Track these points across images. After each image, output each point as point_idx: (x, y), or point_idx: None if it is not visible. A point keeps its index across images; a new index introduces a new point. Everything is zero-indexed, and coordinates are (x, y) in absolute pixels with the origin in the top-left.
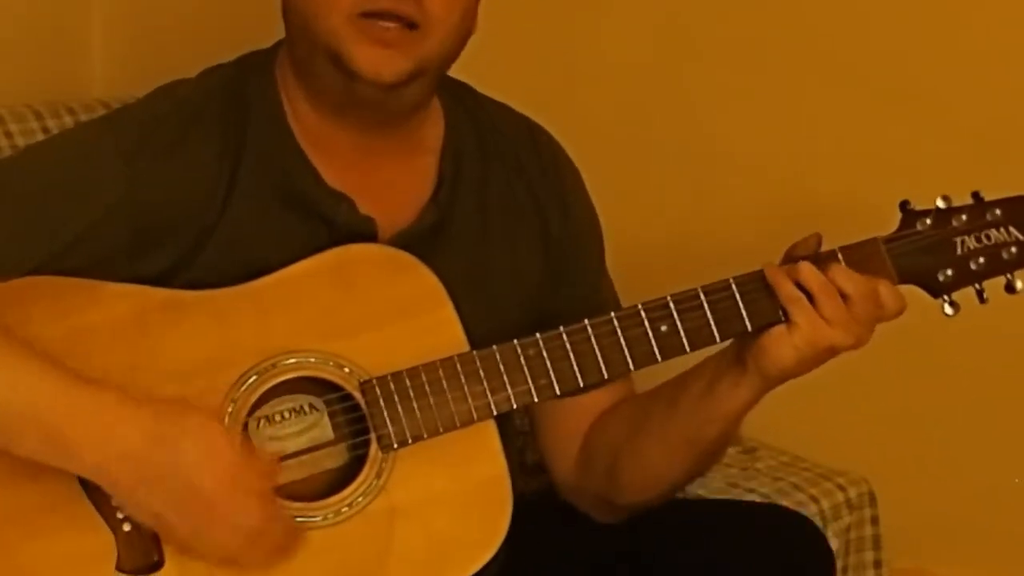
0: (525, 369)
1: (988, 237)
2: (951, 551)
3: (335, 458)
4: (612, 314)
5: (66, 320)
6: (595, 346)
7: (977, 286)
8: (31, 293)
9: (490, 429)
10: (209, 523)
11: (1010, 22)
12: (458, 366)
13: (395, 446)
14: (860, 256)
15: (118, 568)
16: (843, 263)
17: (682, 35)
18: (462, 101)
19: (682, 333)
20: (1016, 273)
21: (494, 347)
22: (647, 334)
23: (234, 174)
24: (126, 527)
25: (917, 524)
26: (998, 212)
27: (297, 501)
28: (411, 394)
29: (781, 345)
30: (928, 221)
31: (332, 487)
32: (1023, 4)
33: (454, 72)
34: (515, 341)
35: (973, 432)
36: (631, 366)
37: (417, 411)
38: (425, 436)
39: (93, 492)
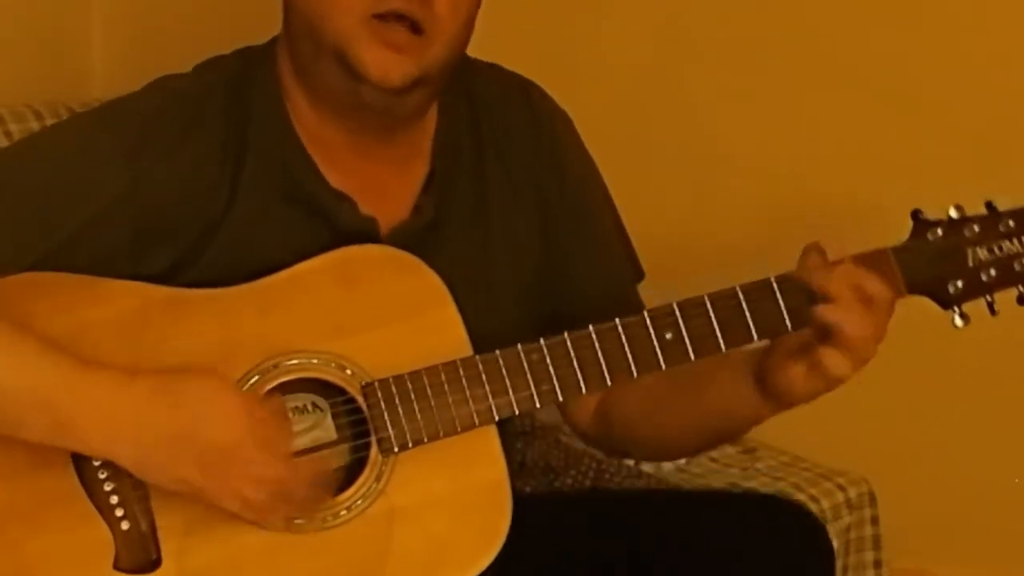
0: (528, 374)
1: (1000, 248)
2: (951, 551)
3: (337, 459)
4: (616, 320)
5: (69, 315)
6: (599, 352)
7: (988, 298)
8: (34, 288)
9: (491, 433)
10: (233, 477)
11: (1019, 25)
12: (460, 370)
13: (395, 449)
14: (870, 265)
15: (116, 566)
16: None
17: (683, 36)
18: (460, 75)
19: (687, 341)
20: None
21: (497, 351)
22: (652, 342)
23: (237, 173)
24: (124, 525)
25: (917, 524)
26: (1011, 223)
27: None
28: (412, 397)
29: (833, 362)
30: (939, 231)
31: (333, 489)
32: None
33: None
34: (518, 346)
35: (973, 432)
36: (635, 373)
37: (418, 414)
38: (425, 440)
39: (92, 490)
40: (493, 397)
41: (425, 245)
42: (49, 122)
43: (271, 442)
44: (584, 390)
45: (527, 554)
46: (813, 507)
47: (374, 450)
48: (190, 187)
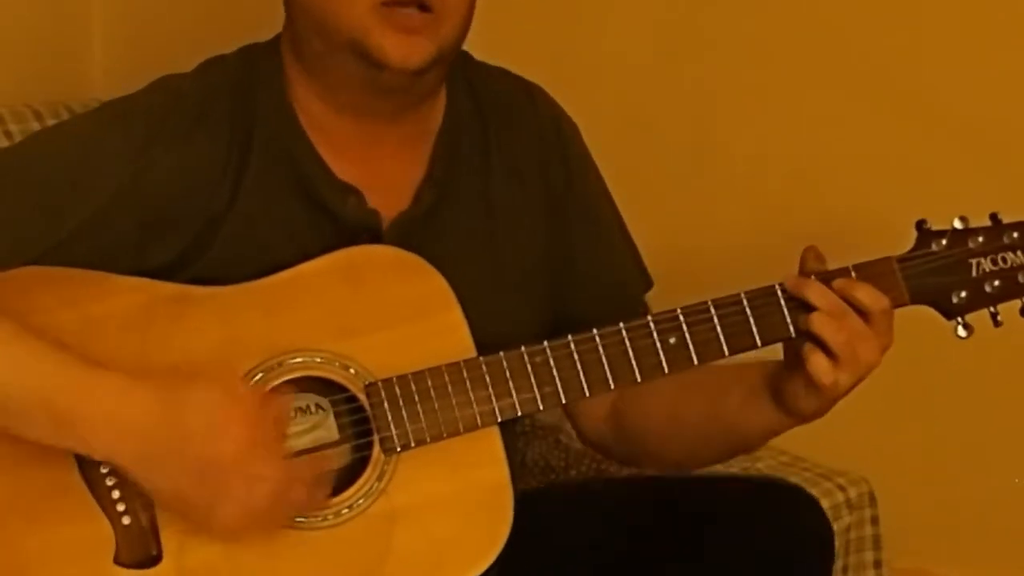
0: (531, 376)
1: (1004, 260)
2: (951, 551)
3: (339, 458)
4: (621, 324)
5: (74, 310)
6: (602, 356)
7: (991, 309)
8: (39, 282)
9: (493, 434)
10: (232, 487)
11: None
12: (464, 371)
13: (398, 449)
14: (873, 274)
15: (116, 561)
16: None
17: (687, 38)
18: (461, 69)
19: (691, 346)
20: None
21: (501, 353)
22: (655, 346)
23: (242, 167)
24: (125, 520)
25: (917, 524)
26: (1015, 235)
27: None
28: (416, 398)
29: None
30: (944, 241)
31: (334, 488)
32: None
33: None
34: (522, 348)
35: (973, 432)
36: (638, 378)
37: (421, 415)
38: (428, 440)
39: (94, 484)
40: (496, 399)
41: (426, 234)
42: (49, 122)
43: (270, 447)
44: (587, 393)
45: (529, 552)
46: None
47: (376, 449)
48: (194, 181)
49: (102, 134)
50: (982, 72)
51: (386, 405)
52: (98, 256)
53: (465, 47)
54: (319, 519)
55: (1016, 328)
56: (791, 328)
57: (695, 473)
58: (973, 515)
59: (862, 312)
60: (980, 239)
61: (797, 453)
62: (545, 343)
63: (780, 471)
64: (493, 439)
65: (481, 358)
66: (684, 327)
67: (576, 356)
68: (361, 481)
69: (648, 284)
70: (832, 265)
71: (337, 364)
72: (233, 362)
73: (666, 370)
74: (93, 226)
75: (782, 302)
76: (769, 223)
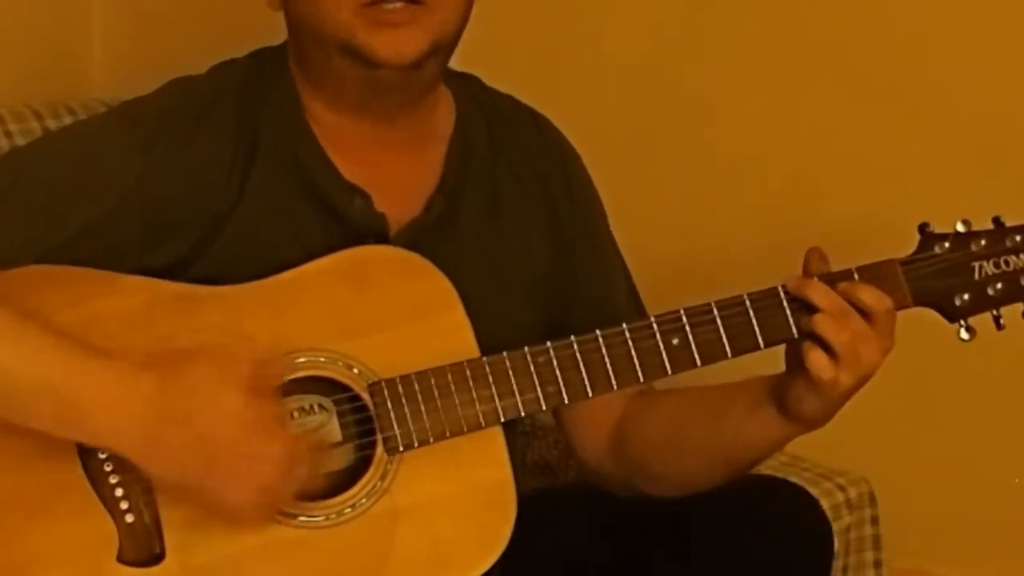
0: (534, 376)
1: (1007, 263)
2: (951, 551)
3: (341, 458)
4: (624, 325)
5: (79, 308)
6: (605, 356)
7: (994, 312)
8: (44, 281)
9: (496, 434)
10: (238, 467)
11: None
12: (467, 371)
13: (401, 449)
14: (876, 276)
15: (119, 559)
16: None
17: (687, 39)
18: (470, 88)
19: (693, 347)
20: None
21: (504, 353)
22: (658, 346)
23: (248, 167)
24: (129, 518)
25: (917, 524)
26: (1018, 238)
27: (300, 500)
28: (419, 397)
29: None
30: (946, 244)
31: (337, 487)
32: None
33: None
34: (525, 348)
35: (973, 432)
36: (641, 378)
37: (424, 414)
38: (431, 440)
39: (97, 481)
40: (499, 399)
41: (435, 242)
42: (49, 122)
43: (273, 424)
44: (590, 393)
45: (530, 552)
46: None
47: (379, 449)
48: (200, 181)
49: (109, 136)
50: (984, 74)
51: (389, 404)
52: (103, 256)
53: (463, 44)
54: (322, 518)
55: (1018, 330)
56: (793, 329)
57: None
58: (973, 515)
59: (865, 313)
60: (983, 242)
61: (797, 453)
62: (548, 343)
63: (780, 471)
64: (496, 439)
65: (484, 358)
66: (687, 328)
67: (579, 356)
68: (364, 480)
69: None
70: (835, 267)
71: (340, 364)
72: None
73: (669, 371)
74: (99, 227)
75: (784, 303)
76: (771, 225)
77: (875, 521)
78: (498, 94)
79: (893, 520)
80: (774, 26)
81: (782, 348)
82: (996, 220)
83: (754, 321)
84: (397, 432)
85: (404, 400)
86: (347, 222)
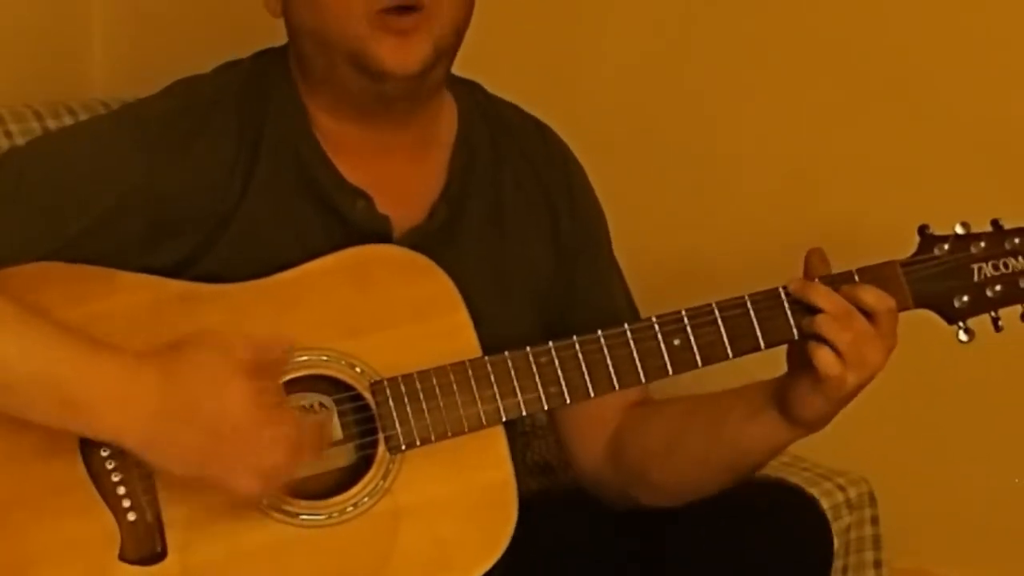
0: (536, 376)
1: (1006, 265)
2: (951, 551)
3: (343, 457)
4: (626, 326)
5: (82, 306)
6: (607, 357)
7: (993, 314)
8: (48, 279)
9: (498, 434)
10: (248, 449)
11: None
12: (469, 370)
13: (403, 448)
14: (876, 277)
15: (121, 557)
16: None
17: (687, 39)
18: (472, 95)
19: (695, 348)
20: None
21: (506, 353)
22: (660, 347)
23: (251, 167)
24: (131, 516)
25: (917, 524)
26: (1016, 241)
27: (302, 499)
28: (421, 396)
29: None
30: (946, 246)
31: (338, 486)
32: None
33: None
34: (527, 348)
35: (973, 432)
36: (643, 379)
37: (426, 413)
38: (433, 439)
39: (99, 479)
40: (501, 398)
41: (438, 248)
42: (49, 122)
43: (277, 406)
44: (592, 393)
45: (531, 552)
46: None
47: (381, 448)
48: (202, 180)
49: (113, 136)
50: (984, 74)
51: (391, 404)
52: (106, 255)
53: (464, 46)
54: (323, 517)
55: (1017, 332)
56: (794, 330)
57: None
58: (973, 515)
59: (867, 314)
60: (982, 244)
61: (797, 453)
62: (550, 344)
63: (780, 471)
64: (498, 440)
65: (486, 358)
66: (688, 329)
67: (581, 357)
68: (365, 480)
69: None
70: (835, 269)
71: (343, 363)
72: None
73: (670, 371)
74: (101, 226)
75: (786, 304)
76: (772, 226)
77: (875, 521)
78: (501, 102)
79: (893, 520)
80: (774, 26)
81: (782, 350)
82: (995, 223)
83: (755, 322)
84: (399, 431)
85: (406, 399)
86: (349, 224)
